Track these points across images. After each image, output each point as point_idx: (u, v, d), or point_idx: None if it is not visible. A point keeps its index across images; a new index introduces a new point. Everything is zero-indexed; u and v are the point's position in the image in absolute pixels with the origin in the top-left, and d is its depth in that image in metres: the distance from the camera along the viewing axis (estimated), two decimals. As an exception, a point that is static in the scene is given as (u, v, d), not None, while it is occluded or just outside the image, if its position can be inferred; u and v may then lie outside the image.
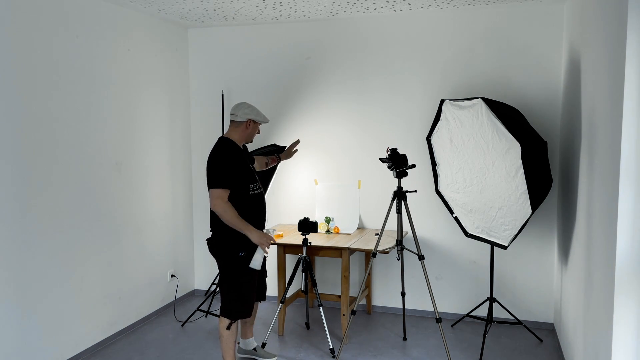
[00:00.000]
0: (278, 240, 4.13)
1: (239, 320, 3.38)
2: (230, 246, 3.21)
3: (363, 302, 4.66)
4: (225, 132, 3.86)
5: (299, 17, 4.56)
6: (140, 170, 4.37)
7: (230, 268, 3.24)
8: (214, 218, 3.26)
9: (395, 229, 3.94)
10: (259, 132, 3.40)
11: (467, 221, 3.91)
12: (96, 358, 3.78)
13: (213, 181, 3.13)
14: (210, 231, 3.33)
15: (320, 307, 3.84)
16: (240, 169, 3.20)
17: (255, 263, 3.21)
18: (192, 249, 5.19)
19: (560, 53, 4.09)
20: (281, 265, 4.19)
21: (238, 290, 3.25)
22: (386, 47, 4.51)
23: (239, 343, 3.76)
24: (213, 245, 3.29)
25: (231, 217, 3.11)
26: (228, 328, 3.27)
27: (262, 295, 3.56)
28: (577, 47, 3.41)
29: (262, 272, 3.51)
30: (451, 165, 3.89)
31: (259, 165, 3.72)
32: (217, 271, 4.87)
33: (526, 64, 4.17)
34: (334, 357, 3.75)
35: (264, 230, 3.30)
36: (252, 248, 3.22)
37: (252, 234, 3.14)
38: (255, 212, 3.29)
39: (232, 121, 3.29)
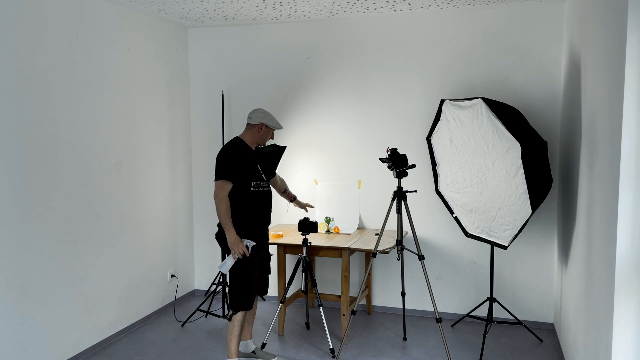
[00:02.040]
0: (278, 240, 4.14)
1: (243, 316, 3.43)
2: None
3: (363, 302, 4.66)
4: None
5: (299, 17, 4.56)
6: (140, 170, 4.37)
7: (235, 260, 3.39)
8: None
9: (395, 229, 3.94)
10: (272, 137, 3.57)
11: (467, 221, 3.91)
12: (96, 358, 3.78)
13: (216, 173, 3.34)
14: (217, 225, 3.46)
15: (320, 307, 3.84)
16: (243, 166, 3.36)
17: (224, 267, 3.32)
18: (192, 249, 5.19)
19: (561, 53, 4.09)
20: (281, 265, 4.19)
21: (236, 281, 3.38)
22: (386, 47, 4.51)
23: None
24: (219, 237, 3.44)
25: (222, 211, 3.28)
26: (229, 319, 3.41)
27: (263, 290, 3.65)
28: (577, 47, 3.41)
29: (265, 268, 3.62)
30: (451, 165, 3.89)
31: (279, 182, 3.90)
32: (217, 271, 4.89)
33: (526, 64, 4.17)
34: (334, 357, 3.75)
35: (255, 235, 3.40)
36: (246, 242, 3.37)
37: (229, 236, 3.28)
38: (255, 208, 3.42)
39: (247, 123, 3.49)
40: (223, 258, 3.41)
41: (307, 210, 4.13)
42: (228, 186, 3.29)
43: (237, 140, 3.45)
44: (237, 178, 3.31)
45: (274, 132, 3.63)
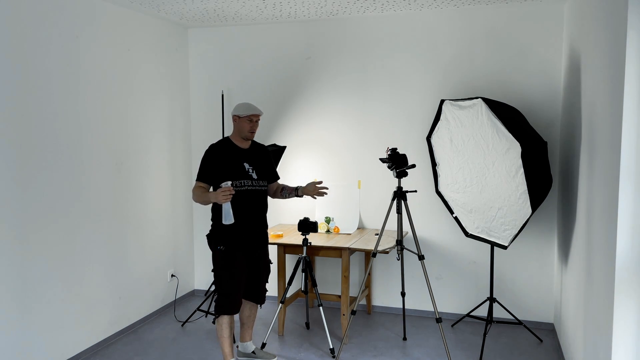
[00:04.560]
0: (278, 240, 4.13)
1: (232, 320, 3.40)
2: (213, 240, 3.37)
3: (363, 302, 4.66)
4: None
5: (299, 17, 4.56)
6: (140, 170, 4.38)
7: (214, 261, 3.38)
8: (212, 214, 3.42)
9: (395, 229, 3.94)
10: (251, 129, 3.33)
11: (467, 221, 3.91)
12: (96, 358, 3.78)
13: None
14: (211, 226, 3.46)
15: (320, 307, 3.84)
16: (220, 166, 3.29)
17: (227, 218, 3.17)
18: (192, 249, 5.19)
19: (560, 53, 4.09)
20: (281, 265, 4.19)
21: (219, 283, 3.36)
22: (386, 47, 4.51)
23: (237, 347, 3.76)
24: (208, 237, 3.43)
25: (197, 197, 3.28)
26: (213, 322, 3.32)
27: (257, 298, 3.54)
28: (577, 47, 3.41)
29: (259, 274, 3.50)
30: (451, 165, 3.89)
31: (272, 191, 3.60)
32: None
33: (526, 64, 4.17)
34: (334, 357, 3.75)
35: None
36: (230, 243, 3.30)
37: (211, 197, 3.17)
38: (238, 208, 3.26)
39: None
40: (214, 258, 3.37)
41: (322, 190, 3.51)
42: (199, 189, 3.27)
43: (221, 140, 3.42)
44: (212, 179, 3.26)
45: (256, 119, 3.33)
